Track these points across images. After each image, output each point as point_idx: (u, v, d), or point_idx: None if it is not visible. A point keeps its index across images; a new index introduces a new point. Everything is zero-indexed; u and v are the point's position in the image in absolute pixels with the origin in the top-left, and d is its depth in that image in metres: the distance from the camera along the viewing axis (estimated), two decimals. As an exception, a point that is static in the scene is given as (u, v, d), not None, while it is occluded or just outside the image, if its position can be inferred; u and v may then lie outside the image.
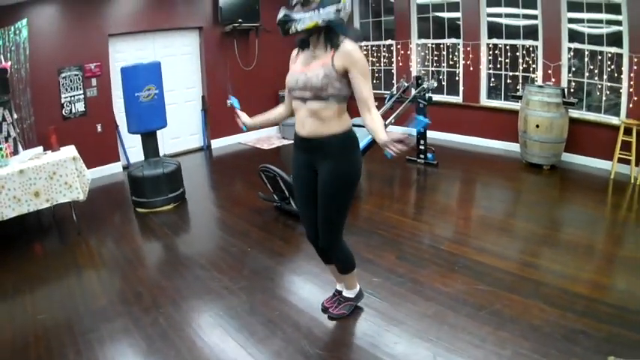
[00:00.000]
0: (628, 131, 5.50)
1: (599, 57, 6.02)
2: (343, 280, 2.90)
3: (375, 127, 2.26)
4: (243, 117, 2.73)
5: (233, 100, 2.83)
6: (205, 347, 2.77)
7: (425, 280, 3.35)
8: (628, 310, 2.93)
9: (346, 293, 2.96)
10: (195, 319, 3.07)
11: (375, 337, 2.77)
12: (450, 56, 7.75)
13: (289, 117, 2.71)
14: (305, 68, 2.37)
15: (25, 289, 3.63)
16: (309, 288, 3.34)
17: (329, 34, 2.31)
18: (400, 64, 8.42)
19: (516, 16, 6.83)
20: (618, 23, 5.75)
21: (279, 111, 2.72)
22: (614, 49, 5.85)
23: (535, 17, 6.56)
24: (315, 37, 2.35)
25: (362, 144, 5.00)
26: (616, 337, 2.67)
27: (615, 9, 5.72)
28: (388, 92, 6.58)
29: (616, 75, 5.89)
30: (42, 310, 3.29)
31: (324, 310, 2.98)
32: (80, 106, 6.72)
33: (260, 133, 8.78)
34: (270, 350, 2.69)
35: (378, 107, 2.53)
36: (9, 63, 5.62)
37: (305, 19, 2.25)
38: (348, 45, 2.29)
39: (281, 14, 2.31)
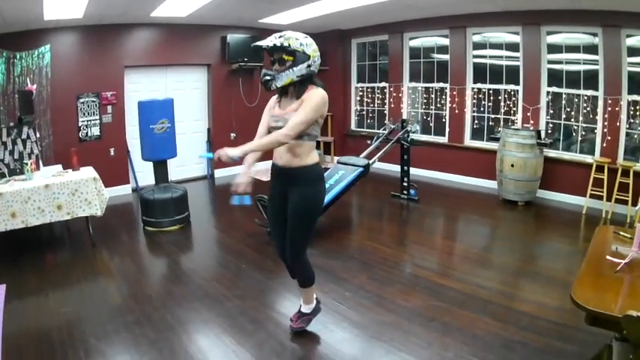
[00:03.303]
0: (600, 169, 5.97)
1: (576, 100, 6.52)
2: (302, 293, 3.28)
3: (261, 140, 2.80)
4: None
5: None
6: (204, 338, 3.35)
7: (389, 296, 3.87)
8: (568, 326, 3.27)
9: (304, 309, 3.33)
10: (196, 316, 3.63)
11: (340, 335, 3.32)
12: (438, 99, 8.29)
13: None
14: (283, 112, 2.83)
15: (48, 288, 4.13)
16: (291, 298, 3.87)
17: (301, 87, 2.80)
18: (392, 105, 8.96)
19: (500, 57, 7.39)
20: (595, 62, 6.24)
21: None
22: (590, 92, 6.35)
23: (518, 59, 7.08)
24: (292, 88, 2.83)
25: (349, 179, 5.57)
26: (552, 348, 3.05)
27: (593, 50, 6.25)
28: (380, 131, 7.11)
29: (591, 116, 6.37)
30: (64, 305, 3.80)
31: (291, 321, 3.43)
32: (96, 131, 7.27)
33: (259, 166, 9.21)
34: (255, 341, 3.24)
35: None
36: (34, 86, 6.15)
37: (282, 77, 2.73)
38: (314, 90, 2.79)
39: (262, 74, 2.79)
